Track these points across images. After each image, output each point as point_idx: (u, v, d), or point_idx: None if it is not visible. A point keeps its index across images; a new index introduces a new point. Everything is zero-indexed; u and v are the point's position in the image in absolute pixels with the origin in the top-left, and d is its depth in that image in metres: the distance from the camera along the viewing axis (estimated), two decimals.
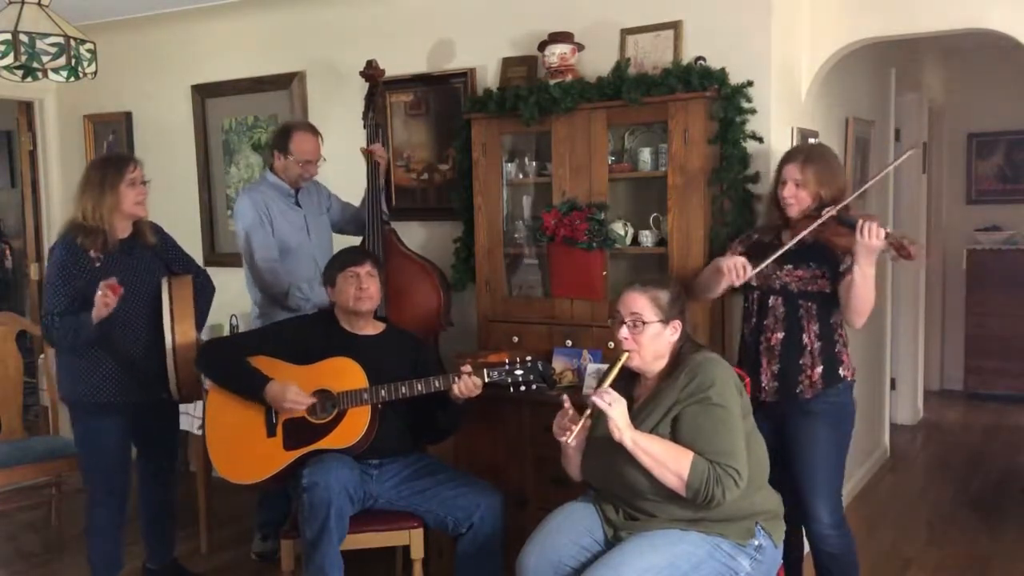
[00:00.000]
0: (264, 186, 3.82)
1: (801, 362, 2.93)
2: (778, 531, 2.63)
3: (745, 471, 2.43)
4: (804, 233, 2.86)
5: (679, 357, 2.60)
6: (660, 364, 2.62)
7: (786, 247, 2.89)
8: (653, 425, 2.51)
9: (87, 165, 3.40)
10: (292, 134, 3.77)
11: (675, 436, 2.49)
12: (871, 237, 2.70)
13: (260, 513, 3.95)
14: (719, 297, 3.22)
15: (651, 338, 2.57)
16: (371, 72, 3.91)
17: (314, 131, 3.84)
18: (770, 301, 2.98)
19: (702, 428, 2.45)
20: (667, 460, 2.42)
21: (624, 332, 2.59)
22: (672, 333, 2.60)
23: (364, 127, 3.91)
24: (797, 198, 2.93)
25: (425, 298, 3.84)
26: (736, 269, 2.92)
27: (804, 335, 2.94)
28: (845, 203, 2.85)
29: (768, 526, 2.58)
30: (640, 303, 2.59)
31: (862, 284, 2.79)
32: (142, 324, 3.33)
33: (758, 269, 2.92)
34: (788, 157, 3.01)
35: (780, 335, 2.96)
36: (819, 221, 2.84)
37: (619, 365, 2.57)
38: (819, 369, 2.93)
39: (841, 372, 2.96)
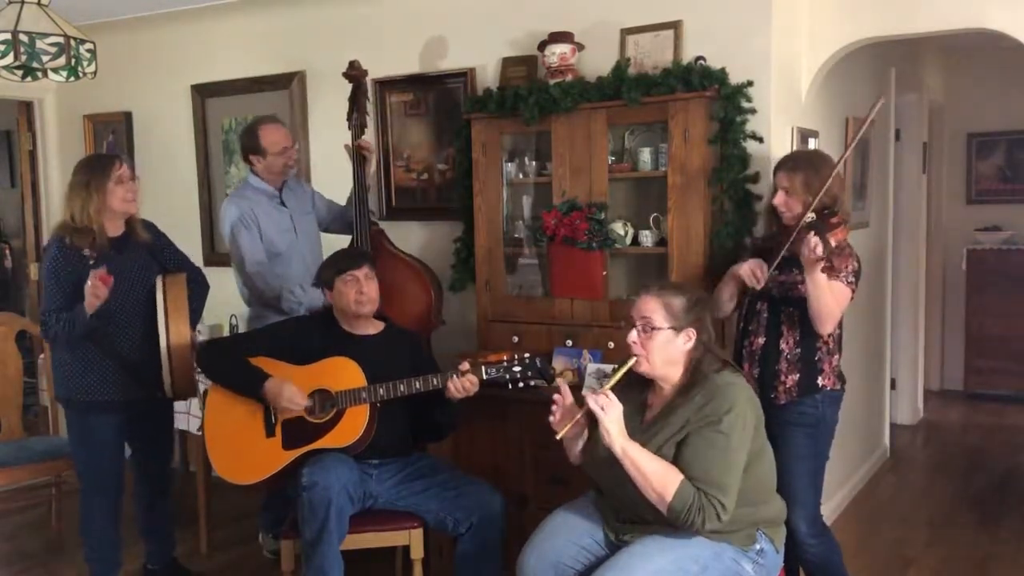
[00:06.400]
0: (248, 191, 3.80)
1: (777, 368, 2.92)
2: (779, 536, 2.63)
3: (732, 506, 2.38)
4: (789, 242, 2.85)
5: (698, 371, 2.51)
6: (674, 371, 2.54)
7: (780, 254, 2.87)
8: (660, 445, 2.46)
9: (74, 168, 3.39)
10: (258, 130, 3.76)
11: (676, 455, 2.44)
12: (810, 250, 2.70)
13: (266, 514, 3.94)
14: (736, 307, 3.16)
15: (660, 344, 2.50)
16: (354, 72, 3.90)
17: (276, 120, 3.88)
18: (757, 306, 2.99)
19: (702, 454, 2.40)
20: (653, 478, 2.38)
21: (633, 336, 2.52)
22: (685, 341, 2.52)
23: (349, 128, 3.89)
24: (787, 205, 2.94)
25: (415, 297, 3.83)
26: (754, 274, 2.89)
27: (782, 341, 2.93)
28: (811, 210, 2.81)
29: (769, 532, 2.59)
30: (651, 307, 2.52)
31: (812, 291, 2.78)
32: (136, 322, 3.34)
33: (772, 266, 2.89)
34: (778, 165, 3.03)
35: (761, 340, 2.96)
36: (796, 229, 2.83)
37: (625, 369, 2.53)
38: (795, 376, 2.91)
39: (820, 381, 2.92)
